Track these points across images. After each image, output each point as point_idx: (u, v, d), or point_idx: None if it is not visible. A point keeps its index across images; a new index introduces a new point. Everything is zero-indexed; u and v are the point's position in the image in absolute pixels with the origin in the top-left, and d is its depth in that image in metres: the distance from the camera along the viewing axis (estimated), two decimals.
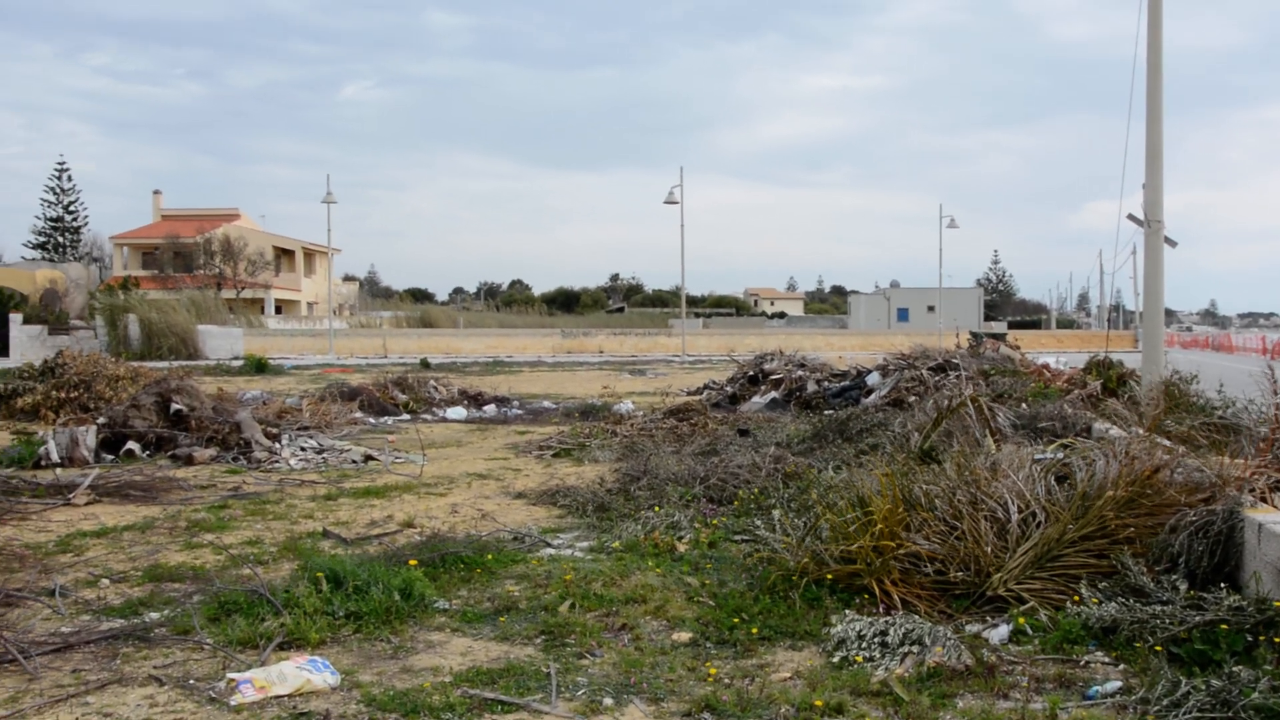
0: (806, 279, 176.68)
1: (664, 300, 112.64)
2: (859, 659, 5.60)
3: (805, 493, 9.21)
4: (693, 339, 56.12)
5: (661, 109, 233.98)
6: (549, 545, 8.65)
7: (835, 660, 5.68)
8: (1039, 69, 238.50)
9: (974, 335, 40.25)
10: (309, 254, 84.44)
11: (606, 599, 6.80)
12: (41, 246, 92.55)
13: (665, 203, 50.65)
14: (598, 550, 8.41)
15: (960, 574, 6.56)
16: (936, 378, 18.39)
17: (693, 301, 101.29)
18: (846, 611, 6.25)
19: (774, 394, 20.72)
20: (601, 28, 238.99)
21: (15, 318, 53.27)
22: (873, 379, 20.16)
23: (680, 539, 8.48)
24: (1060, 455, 8.05)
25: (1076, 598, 6.20)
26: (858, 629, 5.85)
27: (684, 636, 6.16)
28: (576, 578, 7.23)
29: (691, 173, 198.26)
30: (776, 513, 8.70)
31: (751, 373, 22.61)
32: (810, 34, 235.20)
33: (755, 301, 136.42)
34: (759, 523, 8.65)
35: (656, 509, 9.51)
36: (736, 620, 6.29)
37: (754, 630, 6.12)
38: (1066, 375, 17.39)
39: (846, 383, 20.67)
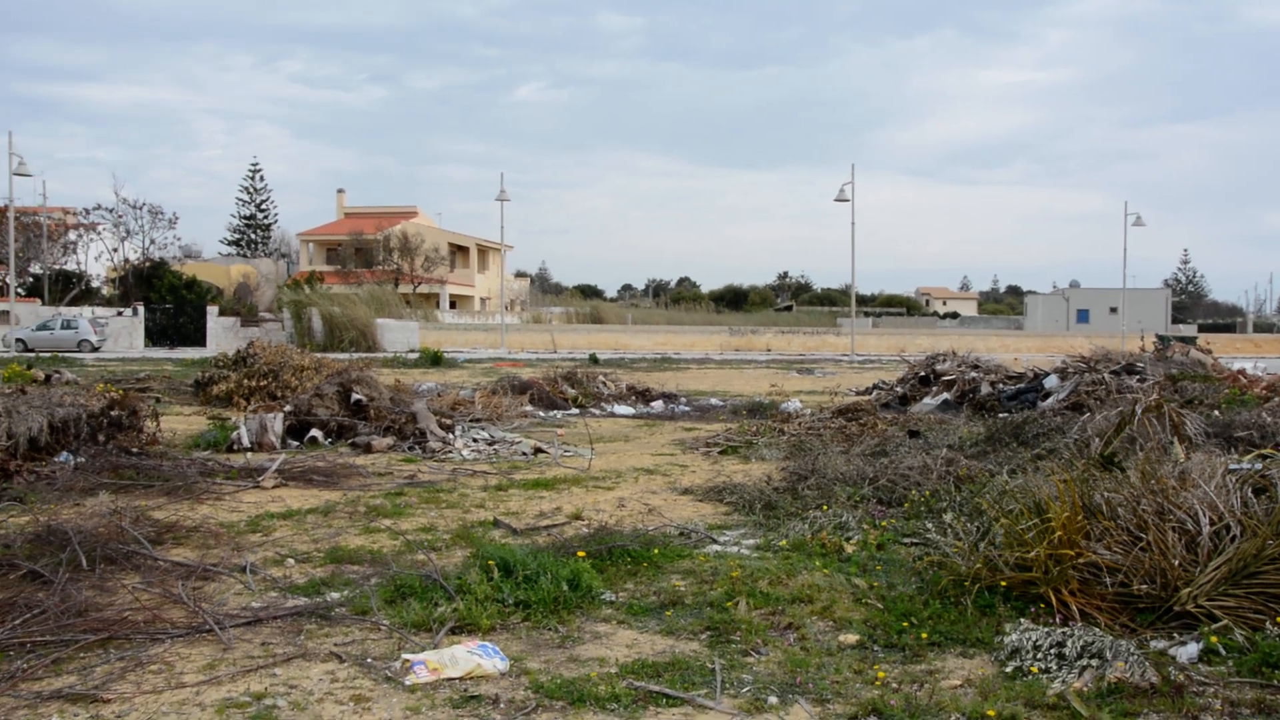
0: (980, 278, 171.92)
1: (832, 299, 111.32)
2: (1034, 670, 5.41)
3: (978, 497, 8.94)
4: (862, 338, 55.30)
5: (832, 107, 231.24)
6: (715, 542, 8.65)
7: (1008, 670, 5.49)
8: (1236, 57, 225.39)
9: (1160, 338, 38.40)
10: (483, 250, 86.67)
11: (773, 597, 6.75)
12: (236, 243, 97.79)
13: (836, 200, 50.05)
14: (764, 548, 8.36)
15: (1144, 587, 6.25)
16: (1119, 382, 17.61)
17: (862, 300, 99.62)
18: (1021, 620, 6.04)
19: (946, 395, 20.21)
20: (773, 27, 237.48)
21: (212, 310, 56.49)
22: (1050, 382, 19.43)
23: (848, 540, 8.36)
24: (1258, 466, 7.60)
25: (1279, 619, 5.83)
26: (1033, 639, 5.64)
27: (851, 638, 6.06)
28: (743, 575, 7.21)
29: (863, 171, 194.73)
30: (948, 516, 8.47)
31: (922, 373, 22.10)
32: (987, 28, 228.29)
33: (926, 301, 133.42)
34: (929, 526, 8.45)
35: (824, 509, 9.40)
36: (905, 624, 6.16)
37: (923, 635, 5.98)
38: (1266, 382, 16.40)
39: (1022, 385, 19.98)
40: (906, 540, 8.39)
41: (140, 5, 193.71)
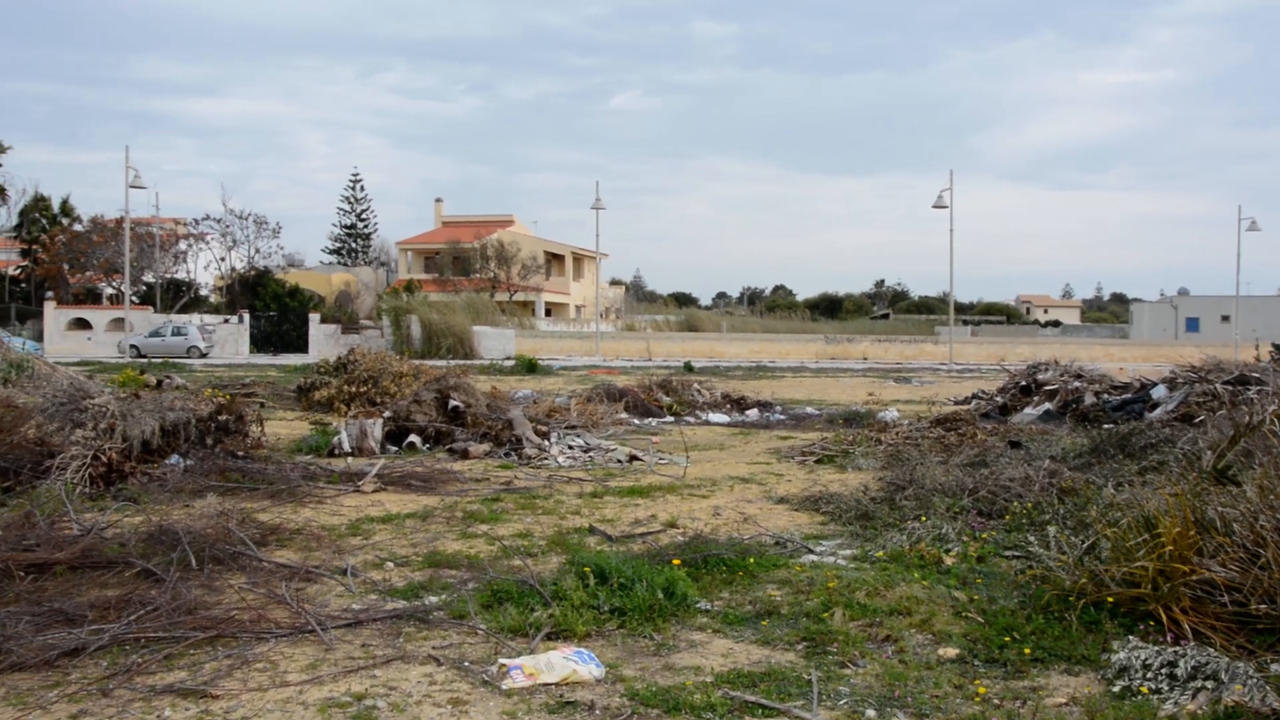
0: (1083, 286, 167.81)
1: (930, 307, 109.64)
2: (1143, 690, 5.24)
3: (1083, 510, 8.71)
4: (960, 347, 54.38)
5: (930, 112, 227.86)
6: (811, 551, 8.57)
7: (1116, 689, 5.34)
8: None
9: (1277, 347, 36.98)
10: (578, 258, 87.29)
11: (870, 609, 6.66)
12: (337, 252, 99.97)
13: (934, 207, 49.29)
14: (861, 559, 8.26)
15: (1264, 607, 6.00)
16: (1233, 393, 17.01)
17: (961, 308, 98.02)
18: (1129, 638, 5.85)
19: (1047, 405, 19.74)
20: (869, 31, 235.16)
21: (314, 317, 57.81)
22: (1158, 392, 18.86)
23: (947, 551, 8.22)
24: None
25: None
26: (1142, 657, 5.47)
27: (950, 652, 5.95)
28: (840, 586, 7.13)
29: (962, 176, 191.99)
30: (1051, 529, 8.26)
31: (1023, 383, 21.63)
32: (1091, 29, 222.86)
33: (1027, 309, 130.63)
34: (1032, 539, 8.25)
35: (922, 519, 9.25)
36: (1007, 639, 6.02)
37: (1026, 650, 5.84)
38: None
39: (1128, 396, 19.42)
40: (1008, 553, 8.22)
41: (248, 22, 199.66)
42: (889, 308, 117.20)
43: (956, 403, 23.61)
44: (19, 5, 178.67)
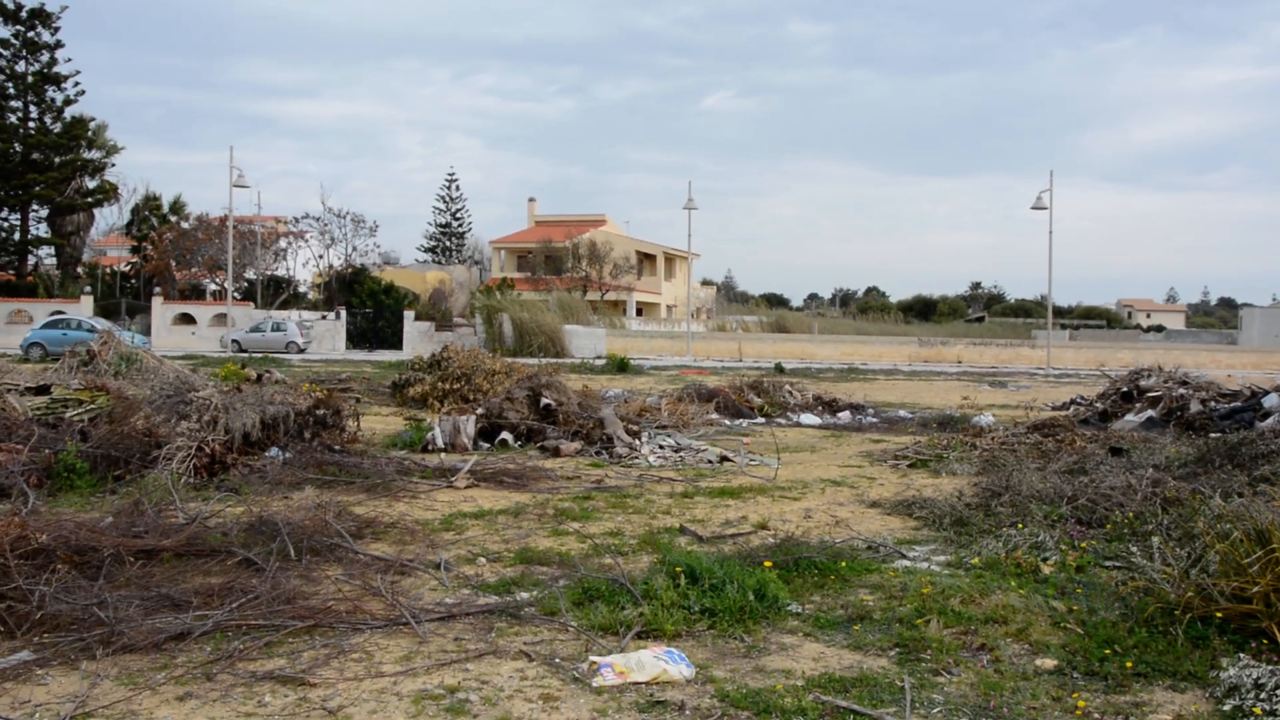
0: (1188, 290, 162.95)
1: (1027, 310, 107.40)
2: (1256, 711, 5.05)
3: (1189, 521, 8.45)
4: (1058, 351, 53.18)
5: (1028, 112, 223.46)
6: (904, 556, 8.45)
7: (1225, 709, 5.16)
8: None
9: None
10: (669, 258, 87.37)
11: (965, 616, 6.55)
12: (431, 250, 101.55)
13: (1032, 208, 48.28)
14: (955, 565, 8.12)
15: None
16: None
17: (1059, 312, 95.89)
18: (1240, 655, 5.65)
19: (1150, 413, 19.20)
20: (966, 31, 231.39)
21: (408, 315, 58.75)
22: (1270, 401, 18.22)
23: (1045, 560, 8.03)
24: None
25: None
26: (1254, 676, 5.27)
27: (1048, 663, 5.81)
28: (933, 592, 7.02)
29: (1061, 177, 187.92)
30: (1155, 540, 8.02)
31: (1125, 389, 21.07)
32: (1201, 24, 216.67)
33: (1129, 314, 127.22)
34: (1134, 549, 8.04)
35: (1019, 527, 9.06)
36: (1108, 652, 5.86)
37: (1128, 664, 5.67)
38: None
39: (1237, 404, 18.79)
40: (1108, 563, 8.01)
41: (348, 26, 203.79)
42: (984, 310, 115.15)
43: (1054, 408, 23.10)
44: (132, 14, 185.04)
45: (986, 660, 5.88)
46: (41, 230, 67.51)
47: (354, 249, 71.93)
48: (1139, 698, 5.35)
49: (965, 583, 7.37)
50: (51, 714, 5.02)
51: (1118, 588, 7.15)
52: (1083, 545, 8.51)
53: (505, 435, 15.30)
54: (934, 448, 15.06)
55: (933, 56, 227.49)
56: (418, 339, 55.63)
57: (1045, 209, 48.30)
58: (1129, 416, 19.43)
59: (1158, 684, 5.53)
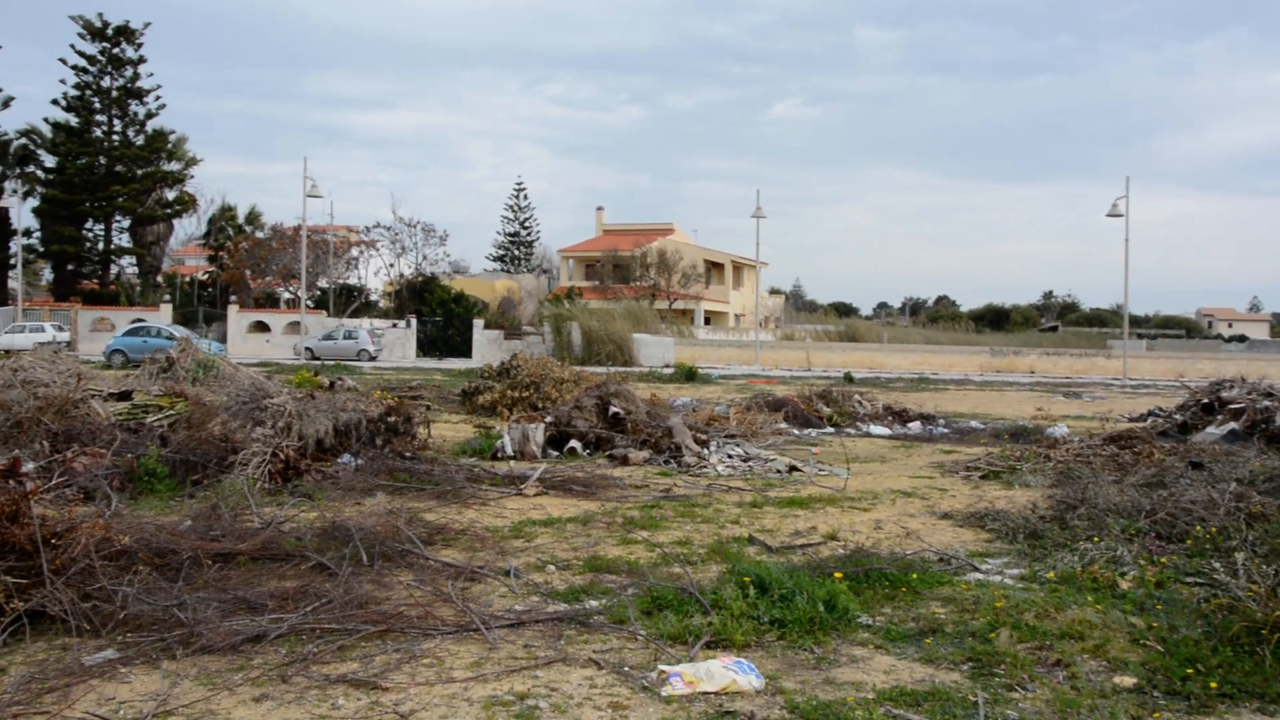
0: (1273, 299, 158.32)
1: (1102, 319, 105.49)
2: None
3: (1275, 537, 8.22)
4: (1135, 361, 52.09)
5: (1104, 116, 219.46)
6: (976, 569, 8.32)
7: None
8: None
9: None
10: (737, 267, 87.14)
11: (1039, 631, 6.43)
12: (500, 259, 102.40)
13: (1108, 215, 47.37)
14: (1029, 579, 7.98)
15: None
16: None
17: (1136, 321, 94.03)
18: None
19: (1233, 425, 18.71)
20: (1039, 35, 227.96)
21: (478, 323, 59.27)
22: None
23: (1122, 575, 7.86)
24: None
25: None
26: None
27: (1127, 680, 5.68)
28: (1007, 606, 6.91)
29: (1138, 183, 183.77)
30: (1239, 556, 7.80)
31: (1205, 400, 20.55)
32: None
33: (1209, 323, 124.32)
34: (1217, 565, 7.82)
35: (1095, 540, 8.88)
36: (1190, 671, 5.71)
37: (1212, 684, 5.53)
38: None
39: None
40: (1189, 580, 7.81)
41: (420, 38, 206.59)
42: (1058, 320, 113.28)
43: (1131, 420, 22.62)
44: (211, 29, 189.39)
45: (1062, 676, 5.77)
46: (123, 240, 69.44)
47: (424, 258, 72.76)
48: (1223, 719, 5.21)
49: (1040, 597, 7.24)
50: (134, 711, 5.14)
51: (1200, 605, 6.96)
52: (1162, 560, 8.31)
53: (574, 443, 15.35)
54: (1006, 459, 14.83)
55: (1004, 62, 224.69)
56: (487, 347, 56.10)
57: (1121, 216, 47.37)
58: (1210, 429, 18.95)
59: (1244, 705, 5.38)
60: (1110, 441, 15.54)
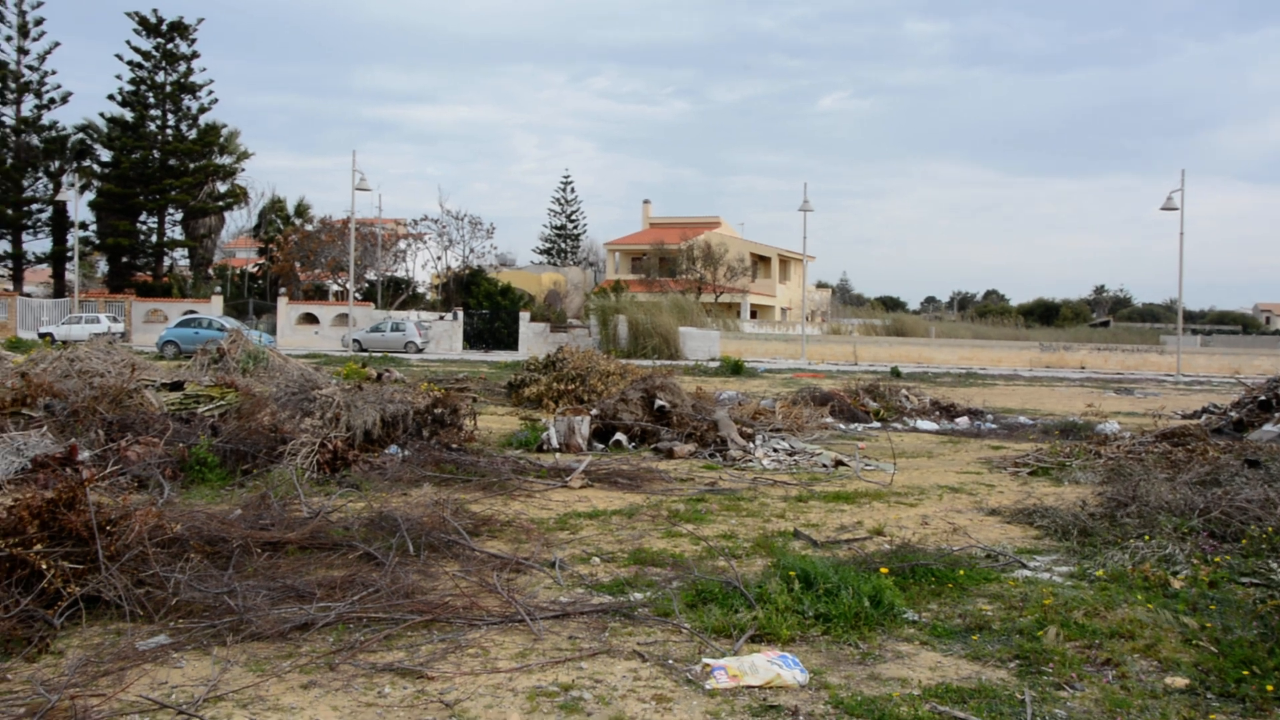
0: None
1: (1155, 315, 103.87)
2: None
3: None
4: (1188, 357, 51.32)
5: (1157, 109, 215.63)
6: (1024, 566, 8.24)
7: None
8: None
9: None
10: (784, 261, 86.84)
11: (1088, 630, 6.35)
12: (546, 252, 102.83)
13: (1162, 209, 46.69)
14: (1079, 577, 7.88)
15: None
16: None
17: (1190, 317, 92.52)
18: None
19: None
20: (1090, 27, 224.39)
21: (524, 316, 59.54)
22: None
23: (1174, 574, 7.74)
24: None
25: None
26: None
27: (1179, 681, 5.60)
28: (1055, 603, 6.83)
29: (1193, 176, 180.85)
30: None
31: (1263, 397, 20.18)
32: None
33: (1266, 318, 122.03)
34: (1274, 565, 7.70)
35: (1146, 539, 8.75)
36: (1245, 672, 5.61)
37: (1268, 687, 5.42)
38: None
39: None
40: (1244, 580, 7.67)
41: (465, 33, 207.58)
42: (1109, 315, 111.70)
43: (1184, 416, 22.28)
44: (262, 25, 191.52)
45: (1112, 676, 5.70)
46: (176, 233, 70.47)
47: (471, 250, 73.27)
48: None
49: (1089, 595, 7.15)
50: (186, 695, 5.22)
51: (1255, 605, 6.84)
52: (1216, 560, 8.17)
53: (619, 436, 15.38)
54: (1056, 455, 14.65)
55: (1054, 54, 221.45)
56: (533, 340, 56.33)
57: (1175, 209, 46.68)
58: (1268, 426, 18.61)
59: None
60: (1163, 438, 15.31)
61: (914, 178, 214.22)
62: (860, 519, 10.16)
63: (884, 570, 7.40)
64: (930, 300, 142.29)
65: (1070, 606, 6.78)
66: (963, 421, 20.64)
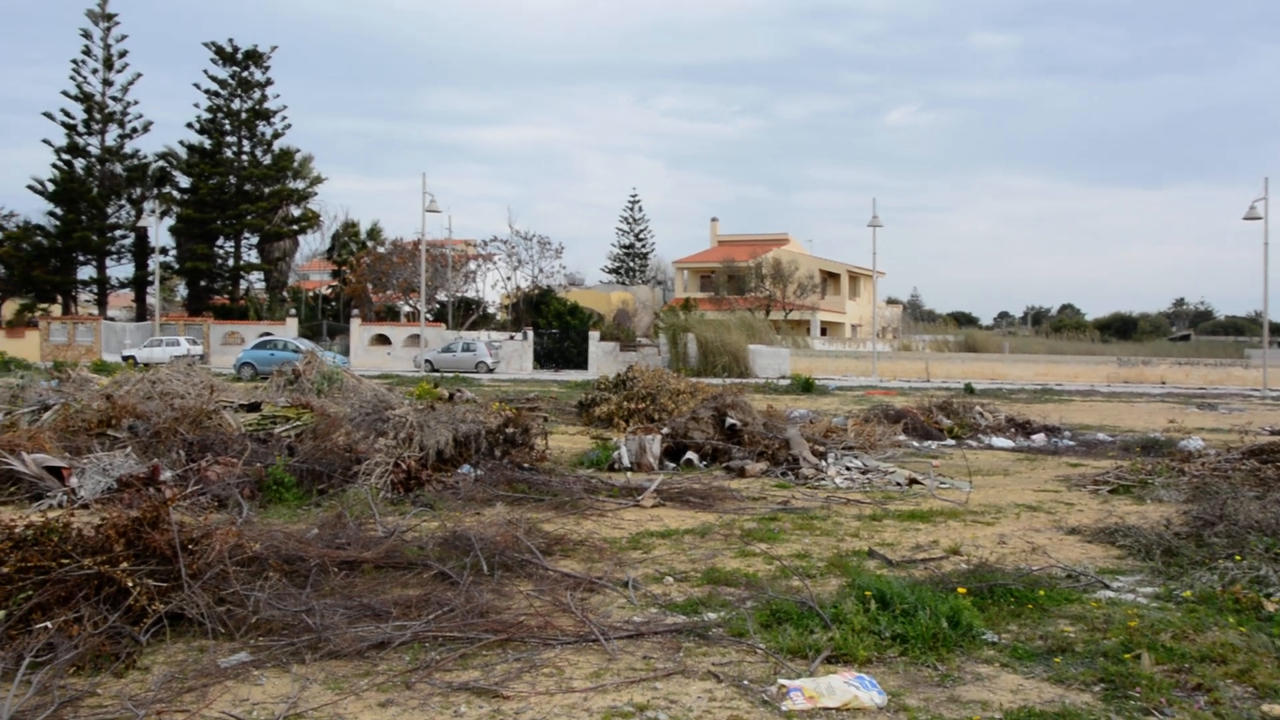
0: None
1: (1239, 328, 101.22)
2: None
3: None
4: (1276, 372, 49.90)
5: (1237, 115, 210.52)
6: (1107, 587, 8.04)
7: None
8: None
9: None
10: (853, 277, 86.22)
11: (1177, 653, 6.17)
12: (615, 271, 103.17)
13: (1245, 219, 45.57)
14: (1164, 598, 7.68)
15: None
16: None
17: (1276, 329, 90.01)
18: None
19: None
20: (1163, 34, 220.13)
21: (593, 335, 59.78)
22: None
23: (1268, 596, 7.50)
24: None
25: None
26: None
27: (1276, 709, 5.41)
28: (1141, 625, 6.65)
29: (1277, 184, 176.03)
30: None
31: None
32: None
33: None
34: None
35: (1236, 559, 8.50)
36: None
37: None
38: None
39: None
40: None
41: (533, 54, 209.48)
42: (1190, 328, 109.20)
43: (1273, 432, 21.66)
44: (333, 51, 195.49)
45: (1204, 701, 5.53)
46: (252, 256, 72.09)
47: (540, 270, 73.72)
48: None
49: (1177, 617, 6.96)
50: (266, 713, 5.29)
51: None
52: None
53: (690, 455, 15.34)
54: (1137, 473, 14.32)
55: (1126, 63, 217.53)
56: (602, 359, 56.51)
57: (1260, 219, 45.51)
58: None
59: None
60: (1251, 455, 14.89)
61: (985, 191, 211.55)
62: (936, 538, 10.01)
63: (961, 590, 7.27)
64: (1003, 315, 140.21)
65: (1157, 629, 6.60)
66: (1039, 438, 20.26)
